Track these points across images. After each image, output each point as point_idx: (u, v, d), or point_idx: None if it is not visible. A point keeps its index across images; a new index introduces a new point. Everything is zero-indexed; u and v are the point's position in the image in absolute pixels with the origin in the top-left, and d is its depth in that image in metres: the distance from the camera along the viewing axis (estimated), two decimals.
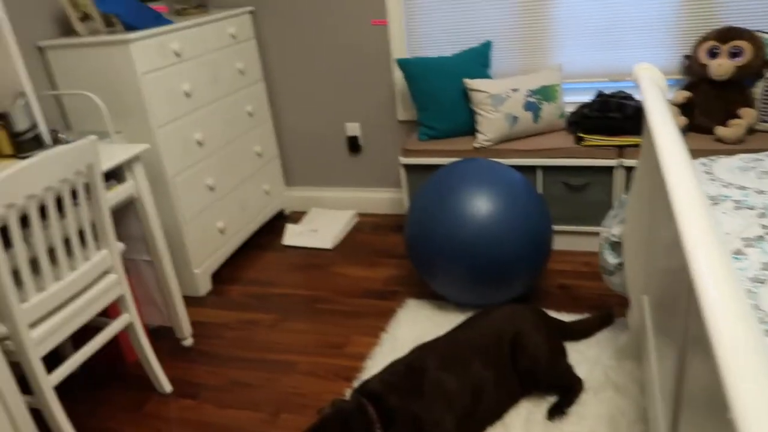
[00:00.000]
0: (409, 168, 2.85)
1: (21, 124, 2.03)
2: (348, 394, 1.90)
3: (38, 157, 1.59)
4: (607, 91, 2.66)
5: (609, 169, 2.53)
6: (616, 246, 1.85)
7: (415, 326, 2.32)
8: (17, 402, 1.66)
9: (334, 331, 2.41)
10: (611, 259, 1.86)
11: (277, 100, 3.36)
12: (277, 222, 3.43)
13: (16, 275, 1.62)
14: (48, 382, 1.73)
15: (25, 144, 2.04)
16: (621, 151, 2.53)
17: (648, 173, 1.63)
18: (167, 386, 2.17)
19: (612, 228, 1.86)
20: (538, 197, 2.28)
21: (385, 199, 3.38)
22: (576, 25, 2.75)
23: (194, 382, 2.22)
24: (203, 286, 2.78)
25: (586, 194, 2.61)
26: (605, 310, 2.24)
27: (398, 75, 3.08)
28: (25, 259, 1.62)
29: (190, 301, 2.71)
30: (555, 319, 2.06)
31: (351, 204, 3.45)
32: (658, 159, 1.11)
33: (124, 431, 2.02)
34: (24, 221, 1.67)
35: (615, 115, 2.50)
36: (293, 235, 3.20)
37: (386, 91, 3.15)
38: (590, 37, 2.75)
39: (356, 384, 2.01)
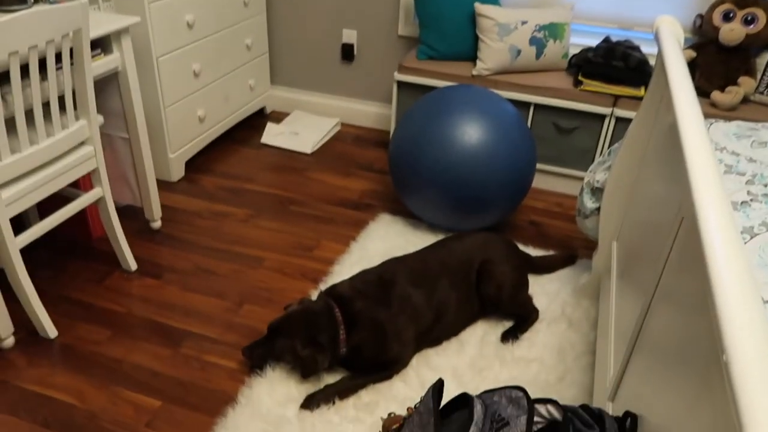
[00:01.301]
0: (402, 85, 2.78)
1: None
2: (314, 295, 1.93)
3: (26, 14, 1.48)
4: (614, 39, 2.60)
5: (601, 117, 2.52)
6: (596, 191, 1.87)
7: (386, 240, 2.35)
8: None
9: (304, 234, 2.42)
10: (589, 203, 1.89)
11: None
12: (258, 119, 3.34)
13: None
14: (15, 243, 1.70)
15: None
16: (616, 100, 2.51)
17: (646, 127, 1.63)
18: (132, 264, 2.16)
19: (596, 174, 1.87)
20: (528, 133, 2.27)
21: (372, 112, 3.31)
22: None
23: (159, 264, 2.21)
24: (176, 172, 2.72)
25: (573, 138, 2.61)
26: (570, 251, 2.30)
27: None
28: (0, 118, 1.53)
29: (162, 185, 2.66)
30: (522, 251, 2.11)
31: (335, 112, 3.37)
32: (674, 117, 1.11)
33: (84, 301, 2.02)
34: (2, 79, 1.58)
35: (618, 64, 2.45)
36: (272, 135, 3.13)
37: (391, 3, 3.00)
38: None
39: (322, 286, 2.05)
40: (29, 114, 1.65)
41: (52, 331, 1.85)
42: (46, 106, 1.71)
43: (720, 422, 0.67)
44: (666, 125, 1.36)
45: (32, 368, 1.75)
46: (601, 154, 2.58)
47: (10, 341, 1.80)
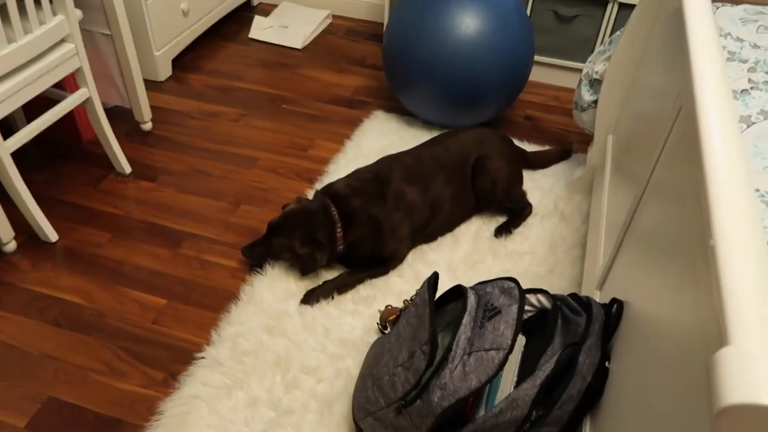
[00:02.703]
0: None
1: None
2: (310, 194, 1.94)
3: None
4: None
5: (603, 4, 2.42)
6: (595, 83, 1.83)
7: (381, 138, 2.33)
8: None
9: (298, 133, 2.39)
10: (587, 95, 1.86)
11: None
12: (245, 12, 3.19)
13: None
14: (5, 147, 1.68)
15: None
16: None
17: (650, 13, 1.57)
18: (126, 167, 2.15)
19: (596, 64, 1.82)
20: (527, 23, 2.18)
21: (364, 2, 3.16)
22: None
23: (153, 166, 2.20)
24: (163, 70, 2.64)
25: (573, 27, 2.51)
26: (565, 145, 2.29)
27: None
28: None
29: (149, 85, 2.58)
30: (518, 147, 2.11)
31: (325, 3, 3.22)
32: (680, 1, 1.06)
33: (82, 204, 2.03)
34: None
35: None
36: (261, 29, 3.01)
37: None
38: None
39: (318, 186, 2.06)
40: (3, 11, 1.58)
41: (52, 235, 1.88)
42: (19, 1, 1.63)
43: (702, 302, 0.70)
44: (671, 10, 1.30)
45: (36, 271, 1.79)
46: (601, 44, 2.50)
47: (11, 245, 1.83)
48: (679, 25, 1.04)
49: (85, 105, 1.98)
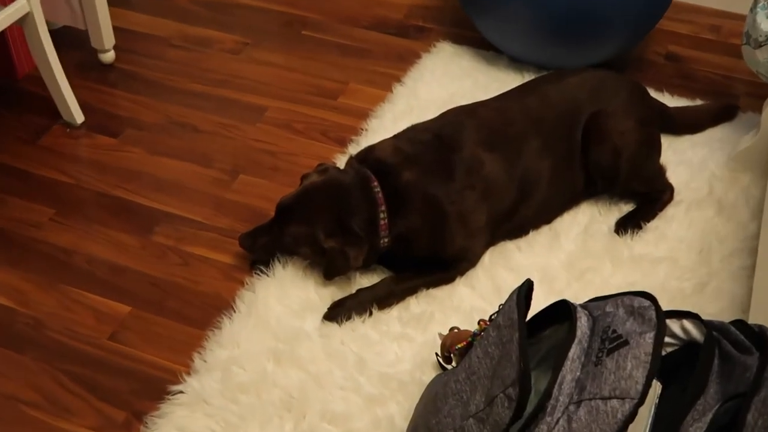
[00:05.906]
0: None
1: None
2: (341, 162, 1.95)
3: None
4: None
5: None
6: None
7: (447, 82, 2.33)
8: None
9: (324, 72, 2.41)
10: (765, 24, 1.81)
11: None
12: None
13: None
14: None
15: None
16: None
17: None
18: (78, 114, 2.20)
19: None
20: None
21: None
22: None
23: (116, 115, 2.26)
24: None
25: None
26: (728, 99, 2.24)
27: None
28: None
29: None
30: (654, 100, 2.07)
31: None
32: None
33: (15, 167, 2.08)
34: None
35: None
36: None
37: None
38: None
39: (352, 150, 2.06)
40: None
41: None
42: None
43: None
44: None
45: None
46: None
47: None
48: None
49: (23, 24, 2.02)
